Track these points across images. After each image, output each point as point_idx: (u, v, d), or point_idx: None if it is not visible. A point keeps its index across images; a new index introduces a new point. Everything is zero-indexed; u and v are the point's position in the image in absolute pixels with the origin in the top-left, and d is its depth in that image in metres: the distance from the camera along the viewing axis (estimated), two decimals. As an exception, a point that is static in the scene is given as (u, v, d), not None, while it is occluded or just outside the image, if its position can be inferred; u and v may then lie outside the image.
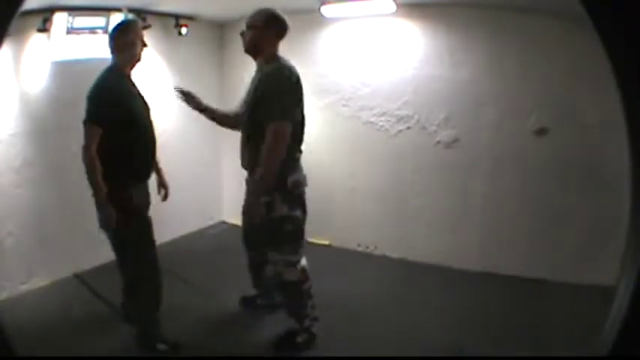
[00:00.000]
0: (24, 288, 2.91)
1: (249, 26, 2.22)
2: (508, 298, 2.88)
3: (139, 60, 2.19)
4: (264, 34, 2.19)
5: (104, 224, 2.07)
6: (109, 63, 2.16)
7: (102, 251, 3.29)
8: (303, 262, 2.30)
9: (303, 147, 2.28)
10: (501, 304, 2.79)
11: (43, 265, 3.03)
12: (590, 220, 2.91)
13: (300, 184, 2.24)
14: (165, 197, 2.46)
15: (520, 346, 2.31)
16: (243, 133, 2.30)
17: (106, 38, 3.03)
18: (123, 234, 2.14)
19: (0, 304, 2.69)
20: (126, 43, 2.12)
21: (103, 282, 3.03)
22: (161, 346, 2.27)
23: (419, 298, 2.91)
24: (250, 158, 2.21)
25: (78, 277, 3.13)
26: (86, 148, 2.02)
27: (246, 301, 2.74)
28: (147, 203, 2.27)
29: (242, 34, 2.26)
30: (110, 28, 3.12)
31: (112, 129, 2.03)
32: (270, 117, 2.06)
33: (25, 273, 2.94)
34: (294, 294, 2.29)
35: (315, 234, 3.74)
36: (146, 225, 2.22)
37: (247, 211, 2.24)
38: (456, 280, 3.17)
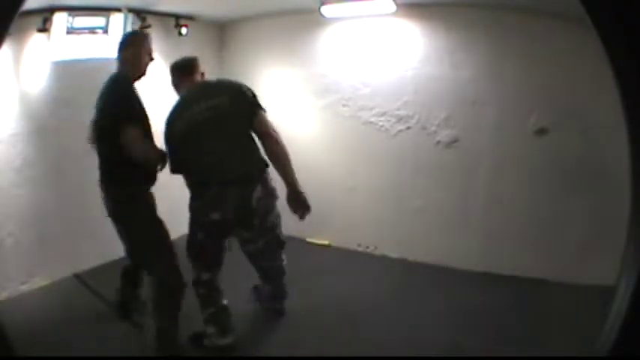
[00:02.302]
0: (24, 288, 2.91)
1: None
2: (508, 298, 2.88)
3: (143, 74, 2.20)
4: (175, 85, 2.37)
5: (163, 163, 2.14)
6: (113, 69, 2.17)
7: (102, 251, 3.31)
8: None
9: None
10: (501, 304, 2.79)
11: (43, 265, 3.02)
12: (590, 220, 2.91)
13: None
14: None
15: (520, 346, 2.31)
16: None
17: (105, 38, 3.04)
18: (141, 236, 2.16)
19: (0, 304, 2.69)
20: (132, 55, 2.14)
21: (103, 282, 3.03)
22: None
23: (419, 298, 2.90)
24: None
25: (78, 277, 3.12)
26: (134, 148, 2.00)
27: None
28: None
29: None
30: (110, 28, 3.13)
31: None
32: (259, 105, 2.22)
33: (25, 273, 2.94)
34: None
35: (315, 234, 3.75)
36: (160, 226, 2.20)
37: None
38: (456, 280, 3.17)
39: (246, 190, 2.16)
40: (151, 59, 2.21)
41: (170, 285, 2.16)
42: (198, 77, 2.35)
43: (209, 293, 2.27)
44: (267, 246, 2.38)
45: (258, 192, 2.18)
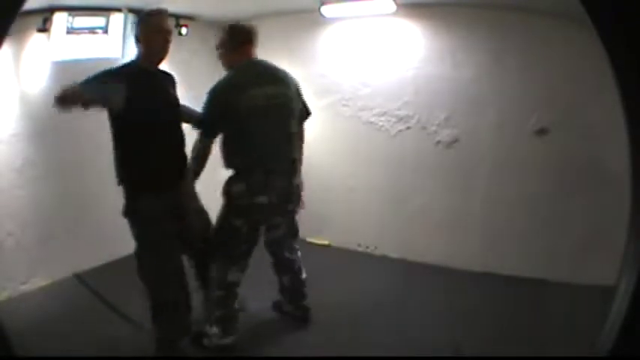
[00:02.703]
0: (24, 288, 2.91)
1: (217, 47, 2.32)
2: (508, 298, 2.88)
3: (160, 55, 2.04)
4: (229, 49, 2.26)
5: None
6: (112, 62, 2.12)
7: (102, 251, 3.31)
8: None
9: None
10: (501, 304, 2.79)
11: (43, 265, 3.02)
12: (590, 220, 2.91)
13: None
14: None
15: (520, 346, 2.31)
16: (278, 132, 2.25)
17: (105, 38, 3.04)
18: (139, 247, 2.03)
19: (0, 304, 2.69)
20: (143, 36, 2.00)
21: (103, 282, 3.03)
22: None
23: (419, 298, 2.90)
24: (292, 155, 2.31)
25: (78, 277, 3.12)
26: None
27: (275, 306, 2.69)
28: (175, 213, 2.05)
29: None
30: (110, 28, 3.13)
31: (120, 125, 1.90)
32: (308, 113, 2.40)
33: (25, 273, 2.94)
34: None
35: (315, 234, 3.75)
36: (163, 238, 2.03)
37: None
38: (456, 280, 3.17)
39: (290, 177, 2.28)
40: (166, 39, 2.01)
41: (153, 301, 2.06)
42: (255, 50, 2.30)
43: (226, 296, 2.25)
44: (287, 234, 2.48)
45: (297, 179, 2.33)
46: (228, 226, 2.20)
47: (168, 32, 2.04)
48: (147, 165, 1.97)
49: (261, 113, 2.12)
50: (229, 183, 2.20)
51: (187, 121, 2.20)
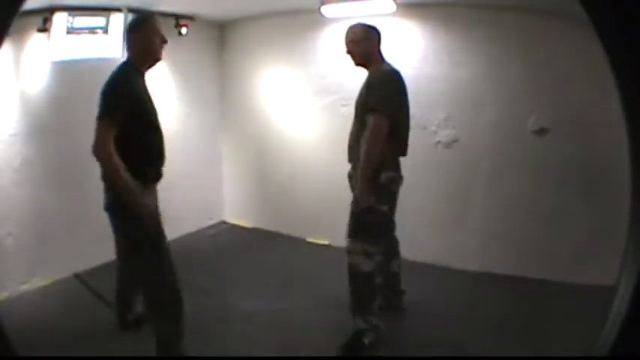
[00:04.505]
0: (24, 288, 2.92)
1: (353, 42, 2.35)
2: (508, 298, 2.88)
3: (156, 59, 2.08)
4: (368, 44, 2.34)
5: (150, 224, 1.97)
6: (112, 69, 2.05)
7: (102, 251, 3.31)
8: (378, 258, 2.33)
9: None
10: (501, 304, 2.79)
11: (43, 265, 3.03)
12: (590, 220, 2.91)
13: (394, 181, 2.34)
14: None
15: (520, 346, 2.31)
16: (353, 132, 2.40)
17: (105, 38, 3.04)
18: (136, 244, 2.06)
19: (0, 304, 2.70)
20: (139, 38, 2.03)
21: (103, 282, 3.02)
22: None
23: (419, 298, 2.90)
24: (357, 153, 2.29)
25: (78, 277, 3.13)
26: (99, 146, 1.83)
27: None
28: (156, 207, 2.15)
29: (349, 52, 2.37)
30: (110, 28, 3.13)
31: (127, 126, 1.90)
32: (371, 108, 2.18)
33: (25, 273, 2.95)
34: (364, 286, 2.30)
35: (314, 234, 3.75)
36: (161, 233, 2.10)
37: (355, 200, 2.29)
38: (455, 279, 3.17)
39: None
40: (164, 41, 2.07)
41: (152, 302, 2.07)
42: None
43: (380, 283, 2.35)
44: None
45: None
46: (382, 211, 2.33)
47: (162, 37, 2.08)
48: (144, 161, 2.03)
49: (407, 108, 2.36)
50: (381, 170, 2.27)
51: None
